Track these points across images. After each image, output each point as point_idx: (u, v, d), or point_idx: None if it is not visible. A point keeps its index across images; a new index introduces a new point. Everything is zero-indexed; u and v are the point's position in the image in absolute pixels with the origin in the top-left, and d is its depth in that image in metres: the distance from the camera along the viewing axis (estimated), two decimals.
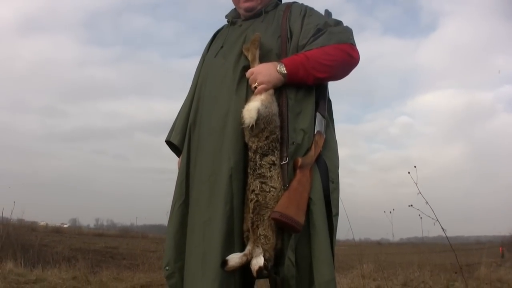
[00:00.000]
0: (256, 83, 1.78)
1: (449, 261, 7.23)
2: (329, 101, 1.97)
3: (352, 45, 1.91)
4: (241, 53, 1.90)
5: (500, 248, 16.54)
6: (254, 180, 1.71)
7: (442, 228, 3.60)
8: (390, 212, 4.95)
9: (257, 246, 1.66)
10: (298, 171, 1.72)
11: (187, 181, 1.93)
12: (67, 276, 6.09)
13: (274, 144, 1.72)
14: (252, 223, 1.68)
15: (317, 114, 1.86)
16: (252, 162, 1.73)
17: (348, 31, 1.94)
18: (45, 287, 5.51)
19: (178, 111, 2.16)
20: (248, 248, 1.69)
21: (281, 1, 2.15)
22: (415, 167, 3.66)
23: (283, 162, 1.73)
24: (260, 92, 1.77)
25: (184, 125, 2.02)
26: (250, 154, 1.74)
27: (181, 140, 2.02)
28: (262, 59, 1.85)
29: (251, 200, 1.70)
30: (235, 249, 1.71)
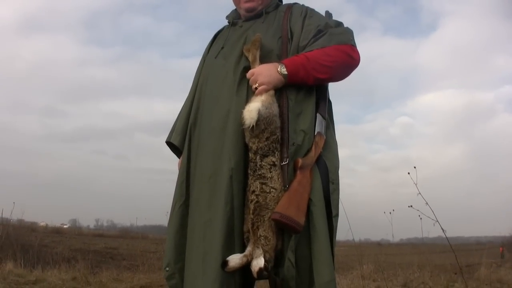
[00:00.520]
0: (257, 84, 1.78)
1: (449, 261, 7.23)
2: (330, 102, 1.98)
3: (353, 46, 1.91)
4: (242, 54, 1.90)
5: (501, 249, 16.54)
6: (255, 181, 1.71)
7: (442, 229, 3.61)
8: (390, 213, 4.96)
9: (258, 247, 1.66)
10: (298, 172, 1.72)
11: (187, 181, 1.93)
12: (67, 277, 6.09)
13: (274, 145, 1.72)
14: (253, 224, 1.68)
15: (318, 115, 1.86)
16: (252, 163, 1.73)
17: (349, 32, 1.94)
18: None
19: (179, 111, 2.16)
20: (249, 249, 1.69)
21: (281, 2, 2.15)
22: (414, 167, 3.67)
23: (284, 163, 1.73)
24: (260, 93, 1.77)
25: (184, 126, 2.02)
26: (251, 155, 1.74)
27: (181, 141, 2.02)
28: (263, 60, 1.85)
29: (252, 201, 1.70)
30: (235, 250, 1.71)
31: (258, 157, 1.71)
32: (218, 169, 1.80)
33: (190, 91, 2.11)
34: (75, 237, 19.69)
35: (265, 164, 1.71)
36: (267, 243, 1.66)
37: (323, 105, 1.90)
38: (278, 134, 1.74)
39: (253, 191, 1.70)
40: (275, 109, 1.75)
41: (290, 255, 1.69)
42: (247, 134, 1.74)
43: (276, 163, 1.72)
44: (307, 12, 2.00)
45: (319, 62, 1.83)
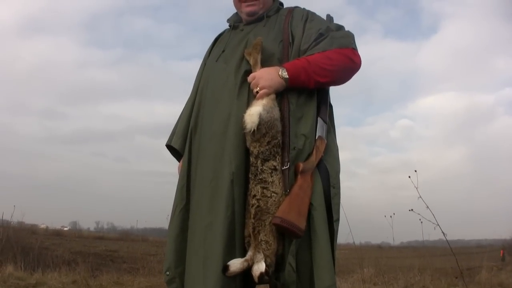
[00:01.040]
0: (258, 88, 1.78)
1: (450, 265, 7.21)
2: (330, 106, 1.97)
3: (354, 49, 1.91)
4: (243, 57, 1.90)
5: (501, 251, 16.51)
6: (256, 185, 1.70)
7: (443, 232, 3.61)
8: (391, 217, 4.96)
9: (258, 252, 1.66)
10: (299, 176, 1.72)
11: (188, 185, 1.93)
12: (67, 280, 6.09)
13: (275, 149, 1.72)
14: (253, 229, 1.67)
15: (319, 119, 1.85)
16: (253, 167, 1.72)
17: (350, 36, 1.94)
18: None
19: (179, 115, 2.16)
20: (249, 253, 1.68)
21: (283, 6, 2.15)
22: (415, 171, 3.67)
23: (285, 167, 1.73)
24: (261, 97, 1.76)
25: (185, 130, 2.02)
26: (252, 159, 1.73)
27: (182, 144, 2.02)
28: (264, 64, 1.84)
29: (252, 206, 1.69)
30: (236, 254, 1.71)
31: (259, 161, 1.71)
32: (219, 173, 1.79)
33: (191, 95, 2.11)
34: (76, 240, 19.70)
35: (266, 168, 1.71)
36: (268, 247, 1.66)
37: (324, 109, 1.89)
38: (279, 138, 1.74)
39: (254, 196, 1.70)
40: (276, 113, 1.75)
41: (291, 260, 1.69)
42: (248, 138, 1.74)
43: (277, 167, 1.72)
44: (308, 16, 2.00)
45: (320, 66, 1.83)
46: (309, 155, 1.78)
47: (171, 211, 1.97)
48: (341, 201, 1.88)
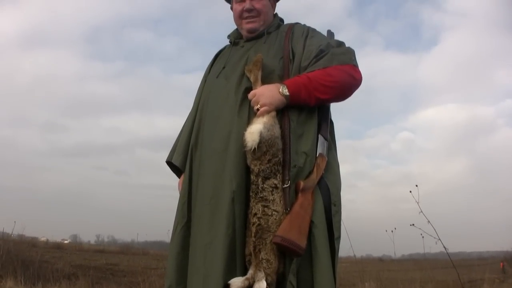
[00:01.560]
0: (259, 105, 1.78)
1: (451, 278, 7.17)
2: (331, 122, 1.97)
3: (355, 66, 1.91)
4: (243, 74, 1.90)
5: (501, 263, 16.41)
6: (256, 204, 1.69)
7: (444, 247, 3.60)
8: (392, 231, 4.95)
9: (259, 270, 1.64)
10: (300, 194, 1.71)
11: (189, 203, 1.93)
12: None
13: (276, 167, 1.71)
14: (254, 247, 1.67)
15: (319, 136, 1.85)
16: (254, 185, 1.72)
17: (351, 52, 1.94)
18: None
19: (179, 131, 2.16)
20: (250, 272, 1.67)
21: (283, 22, 2.16)
22: (416, 186, 3.67)
23: (285, 186, 1.72)
24: (262, 114, 1.76)
25: (185, 146, 2.01)
26: (252, 177, 1.73)
27: (182, 161, 2.01)
28: (264, 81, 1.84)
29: (253, 224, 1.68)
30: (237, 273, 1.70)
31: (260, 179, 1.70)
32: (220, 191, 1.78)
33: (191, 111, 2.11)
34: (76, 253, 19.61)
35: (267, 186, 1.70)
36: (269, 266, 1.65)
37: (325, 126, 1.89)
38: (280, 156, 1.73)
39: (255, 214, 1.69)
40: (277, 131, 1.74)
41: (291, 278, 1.67)
42: (249, 156, 1.73)
43: (278, 185, 1.71)
44: (309, 32, 2.00)
45: (321, 83, 1.82)
46: (310, 172, 1.77)
47: (172, 227, 1.96)
48: (342, 213, 1.86)
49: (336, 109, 2.03)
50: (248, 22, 2.05)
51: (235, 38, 2.14)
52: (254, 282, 1.65)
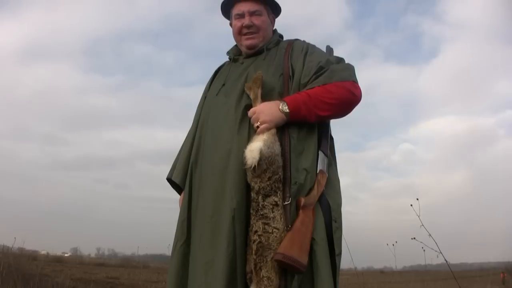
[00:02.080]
0: (258, 122, 1.78)
1: None
2: (331, 138, 1.98)
3: (354, 82, 1.91)
4: (243, 91, 1.90)
5: (502, 274, 16.32)
6: (257, 221, 1.69)
7: (446, 260, 3.60)
8: (393, 245, 4.93)
9: None
10: (301, 211, 1.70)
11: (188, 220, 1.92)
12: None
13: (276, 185, 1.71)
14: (255, 265, 1.66)
15: (320, 152, 1.85)
16: (254, 203, 1.71)
17: (350, 69, 1.94)
18: None
19: (179, 148, 2.17)
20: None
21: (282, 38, 2.17)
22: (417, 199, 3.66)
23: (286, 203, 1.71)
24: (262, 132, 1.76)
25: (185, 164, 2.01)
26: (253, 194, 1.72)
27: (182, 179, 2.01)
28: (265, 98, 1.85)
29: (254, 242, 1.68)
30: None
31: (260, 197, 1.70)
32: (220, 209, 1.78)
33: (191, 128, 2.11)
34: (76, 266, 19.52)
35: (267, 204, 1.70)
36: (270, 283, 1.64)
37: (325, 142, 1.89)
38: (280, 173, 1.73)
39: (256, 231, 1.69)
40: (277, 148, 1.74)
41: None
42: (249, 174, 1.73)
43: (278, 203, 1.70)
44: (308, 49, 2.01)
45: (321, 99, 1.83)
46: (311, 189, 1.77)
47: (172, 243, 1.96)
48: (342, 222, 1.87)
49: (337, 121, 2.03)
50: (247, 39, 2.06)
51: (235, 55, 2.15)
52: None
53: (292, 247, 1.64)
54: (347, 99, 1.89)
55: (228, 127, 1.87)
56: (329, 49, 2.08)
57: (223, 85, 2.03)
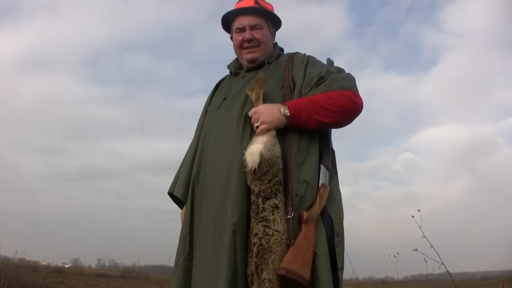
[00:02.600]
0: (259, 123, 1.77)
1: None
2: (333, 151, 1.97)
3: (356, 92, 1.90)
4: (245, 105, 1.89)
5: (501, 283, 16.23)
6: (257, 224, 1.69)
7: (448, 272, 3.59)
8: (395, 256, 4.91)
9: None
10: (303, 225, 1.70)
11: (190, 235, 1.92)
12: None
13: (277, 187, 1.70)
14: (256, 267, 1.66)
15: (321, 166, 1.84)
16: (254, 206, 1.71)
17: (351, 79, 1.94)
18: None
19: (181, 162, 2.17)
20: None
21: (283, 51, 2.17)
22: (419, 210, 3.65)
23: (289, 216, 1.70)
24: (262, 132, 1.76)
25: (187, 178, 2.01)
26: (253, 197, 1.72)
27: (184, 193, 2.01)
28: None
29: (255, 244, 1.67)
30: None
31: (260, 199, 1.69)
32: (222, 223, 1.77)
33: (193, 143, 2.11)
34: (77, 277, 19.43)
35: (268, 206, 1.69)
36: (272, 286, 1.64)
37: (327, 155, 1.88)
38: (280, 176, 1.72)
39: (256, 234, 1.68)
40: (277, 150, 1.73)
41: None
42: (249, 177, 1.72)
43: (278, 205, 1.69)
44: (309, 61, 2.01)
45: (322, 105, 1.82)
46: (313, 203, 1.77)
47: (173, 254, 1.97)
48: (344, 233, 1.86)
49: (337, 131, 2.03)
50: (248, 52, 2.06)
51: (235, 68, 2.15)
52: None
53: (295, 262, 1.64)
54: (348, 107, 1.88)
55: (230, 141, 1.87)
56: (330, 62, 2.09)
57: (224, 99, 2.03)
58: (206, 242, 1.83)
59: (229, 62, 2.24)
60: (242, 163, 1.74)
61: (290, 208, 1.72)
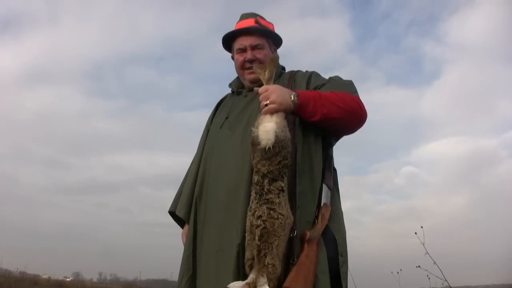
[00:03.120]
0: (268, 101, 1.73)
1: None
2: (335, 170, 1.97)
3: (360, 99, 1.89)
4: (248, 125, 1.84)
5: None
6: (261, 206, 1.61)
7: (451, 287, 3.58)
8: (398, 273, 4.91)
9: (262, 275, 1.57)
10: (306, 245, 1.69)
11: (194, 255, 1.91)
12: None
13: (284, 170, 1.65)
14: (259, 251, 1.58)
15: (324, 185, 1.83)
16: (258, 186, 1.64)
17: (354, 86, 1.93)
18: None
19: (182, 180, 2.17)
20: (252, 276, 1.59)
21: (284, 70, 2.16)
22: (422, 227, 3.65)
23: (292, 235, 1.68)
24: (269, 111, 1.72)
25: (189, 198, 2.00)
26: (257, 177, 1.65)
27: (186, 213, 2.00)
28: None
29: (258, 227, 1.60)
30: None
31: (266, 180, 1.63)
32: (226, 244, 1.76)
33: (195, 162, 2.10)
34: None
35: (274, 188, 1.62)
36: (274, 271, 1.58)
37: (329, 175, 1.88)
38: (289, 159, 1.66)
39: (260, 216, 1.60)
40: (288, 133, 1.68)
41: None
42: (258, 155, 1.66)
43: (284, 188, 1.65)
44: (312, 74, 2.02)
45: (330, 100, 1.80)
46: (315, 222, 1.76)
47: (176, 272, 1.96)
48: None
49: (339, 144, 2.03)
50: (250, 73, 2.05)
51: (237, 87, 2.14)
52: (255, 287, 1.57)
53: (298, 280, 1.63)
54: (355, 109, 1.85)
55: (234, 162, 1.85)
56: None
57: (227, 118, 2.02)
58: (209, 262, 1.82)
59: (231, 77, 2.23)
60: (246, 185, 1.74)
61: (294, 228, 1.69)
